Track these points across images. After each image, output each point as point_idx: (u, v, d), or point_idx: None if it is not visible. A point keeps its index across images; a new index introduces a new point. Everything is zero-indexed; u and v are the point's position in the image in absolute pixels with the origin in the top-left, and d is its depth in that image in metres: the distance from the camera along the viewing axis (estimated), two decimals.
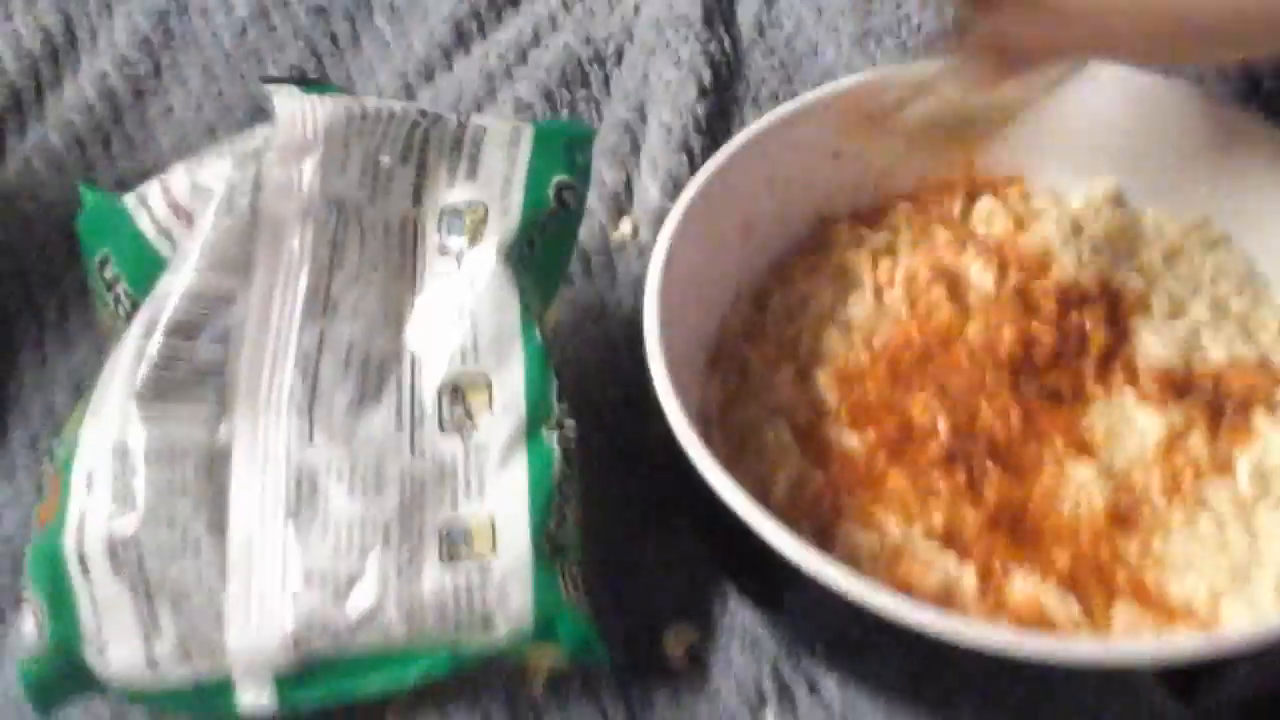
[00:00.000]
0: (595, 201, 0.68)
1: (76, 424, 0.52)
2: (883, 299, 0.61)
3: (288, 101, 0.54)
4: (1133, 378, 0.58)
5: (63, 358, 0.63)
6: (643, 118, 0.72)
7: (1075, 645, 0.49)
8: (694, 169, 0.64)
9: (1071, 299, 0.61)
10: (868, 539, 0.54)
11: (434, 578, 0.50)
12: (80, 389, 0.61)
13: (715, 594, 0.56)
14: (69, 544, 0.50)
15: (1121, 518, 0.55)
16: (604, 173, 0.69)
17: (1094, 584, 0.53)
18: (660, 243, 0.58)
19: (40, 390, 0.62)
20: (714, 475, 0.50)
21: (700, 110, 0.72)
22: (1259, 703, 0.52)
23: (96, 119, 0.72)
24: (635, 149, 0.71)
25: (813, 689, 0.54)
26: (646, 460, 0.60)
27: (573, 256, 0.61)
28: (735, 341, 0.61)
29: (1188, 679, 0.49)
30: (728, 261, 0.62)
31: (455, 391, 0.53)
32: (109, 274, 0.55)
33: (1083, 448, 0.56)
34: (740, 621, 0.55)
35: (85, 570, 0.49)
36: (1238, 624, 0.51)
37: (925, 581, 0.52)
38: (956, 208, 0.65)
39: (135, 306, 0.53)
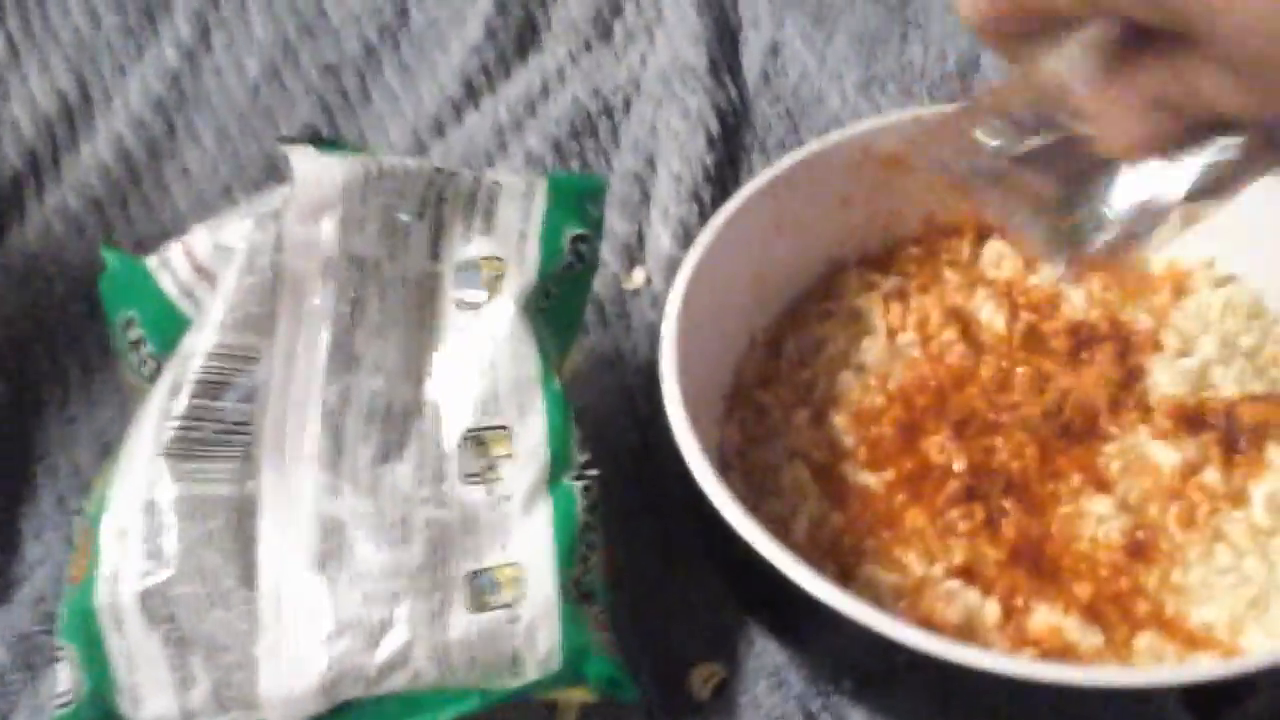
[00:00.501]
0: (608, 252, 0.69)
1: (105, 482, 0.53)
2: (895, 341, 0.62)
3: (304, 161, 0.55)
4: (1146, 414, 0.59)
5: (88, 418, 0.64)
6: (652, 168, 0.73)
7: (1100, 671, 0.50)
8: (704, 218, 0.65)
9: (1082, 337, 0.62)
10: (889, 577, 0.55)
11: (462, 625, 0.51)
12: (106, 448, 0.62)
13: (740, 633, 0.57)
14: (102, 599, 0.50)
15: (1140, 550, 0.55)
16: (615, 223, 0.70)
17: (1115, 615, 0.54)
18: (675, 290, 0.58)
19: (66, 450, 0.63)
20: (733, 515, 0.51)
21: (709, 160, 0.73)
22: None
23: (113, 180, 0.73)
24: (646, 199, 0.72)
25: None
26: (667, 504, 0.61)
27: (587, 306, 0.62)
28: (751, 386, 0.62)
29: (1211, 703, 0.49)
30: (741, 307, 0.63)
31: (477, 442, 0.54)
32: (133, 335, 0.56)
33: (1099, 483, 0.57)
34: (766, 660, 0.56)
35: (118, 624, 0.50)
36: (1259, 648, 0.51)
37: (947, 616, 0.53)
38: (965, 250, 0.66)
39: (160, 366, 0.54)
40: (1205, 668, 0.48)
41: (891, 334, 0.63)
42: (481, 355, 0.55)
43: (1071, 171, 0.48)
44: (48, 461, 0.62)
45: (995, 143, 0.49)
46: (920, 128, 0.59)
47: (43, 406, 0.64)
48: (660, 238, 0.70)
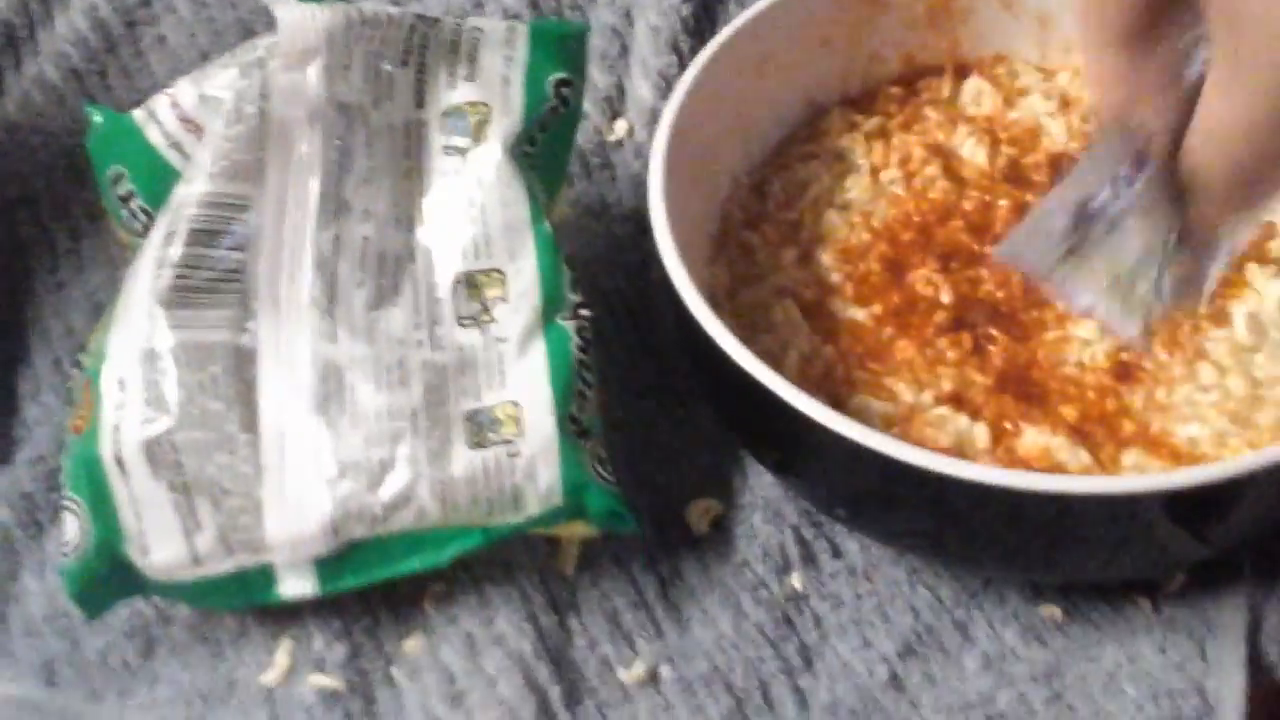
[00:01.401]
0: (589, 105, 0.69)
1: (102, 335, 0.53)
2: (879, 179, 0.63)
3: (287, 9, 0.55)
4: None
5: (79, 282, 0.64)
6: (629, 21, 0.73)
7: (1090, 480, 0.51)
8: (684, 68, 0.65)
9: (1063, 169, 0.62)
10: (879, 406, 0.56)
11: (463, 462, 0.52)
12: (98, 310, 0.62)
13: (735, 469, 0.58)
14: (105, 448, 0.51)
15: (1124, 372, 0.56)
16: (595, 77, 0.70)
17: (1102, 435, 0.55)
18: (660, 132, 0.59)
19: (59, 314, 0.63)
20: (729, 345, 0.52)
21: (685, 10, 0.73)
22: (1271, 541, 0.54)
23: (91, 50, 0.72)
24: (624, 53, 0.72)
25: (835, 552, 0.56)
26: (659, 348, 0.62)
27: (571, 158, 0.62)
28: (737, 227, 0.62)
29: (1198, 515, 0.50)
30: (725, 150, 0.63)
31: (470, 285, 0.55)
32: (122, 190, 0.56)
33: None
34: (761, 493, 0.57)
35: (123, 472, 0.51)
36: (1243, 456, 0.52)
37: (938, 441, 0.54)
38: (945, 89, 0.66)
39: (151, 219, 0.55)
40: (1191, 474, 0.49)
41: (875, 172, 0.63)
42: (470, 200, 0.55)
43: (1140, 242, 0.50)
44: (41, 325, 0.63)
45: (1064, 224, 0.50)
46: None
47: (33, 272, 0.64)
48: (640, 89, 0.70)
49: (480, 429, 0.52)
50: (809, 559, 0.56)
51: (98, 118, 0.57)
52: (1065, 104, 0.64)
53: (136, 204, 0.56)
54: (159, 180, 0.55)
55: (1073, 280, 0.50)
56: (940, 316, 0.58)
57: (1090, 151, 0.51)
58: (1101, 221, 0.50)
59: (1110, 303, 0.50)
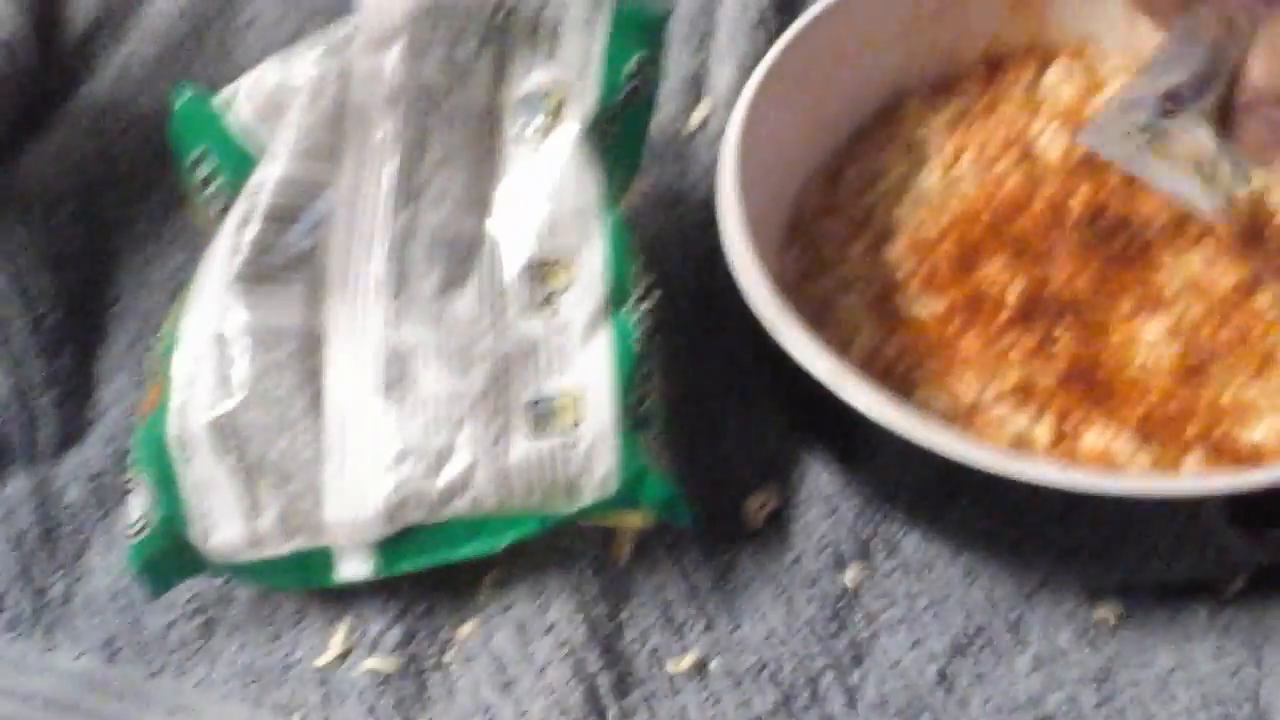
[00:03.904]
0: (667, 92, 0.69)
1: (176, 316, 0.54)
2: (953, 170, 0.62)
3: None
4: (1202, 237, 0.59)
5: (159, 264, 0.65)
6: (715, 2, 0.73)
7: (1149, 480, 0.50)
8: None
9: None
10: (942, 402, 0.55)
11: (522, 450, 0.52)
12: (177, 292, 0.63)
13: (794, 461, 0.58)
14: (172, 429, 0.52)
15: (1191, 373, 0.55)
16: (676, 60, 0.70)
17: (1166, 436, 0.54)
18: (734, 119, 0.58)
19: (138, 295, 0.64)
20: (792, 337, 0.52)
21: None
22: None
23: (182, 33, 0.73)
24: (709, 35, 0.72)
25: (891, 550, 0.56)
26: (725, 339, 0.62)
27: (646, 145, 0.62)
28: (809, 217, 0.62)
29: (1260, 519, 0.50)
30: (801, 138, 0.63)
31: (538, 272, 0.55)
32: (203, 172, 0.57)
33: (1154, 305, 0.57)
34: (820, 488, 0.57)
35: (189, 454, 0.52)
36: None
37: (999, 438, 0.54)
38: (1027, 75, 0.65)
39: (229, 202, 0.55)
40: (1254, 477, 0.48)
41: (949, 162, 0.62)
42: (543, 185, 0.56)
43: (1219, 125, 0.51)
44: (119, 306, 0.64)
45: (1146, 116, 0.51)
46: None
47: (115, 253, 0.66)
48: (724, 71, 0.70)
49: (541, 417, 0.53)
50: (864, 555, 0.56)
51: (181, 100, 0.58)
52: None
53: (216, 186, 0.56)
54: (238, 164, 0.56)
55: (1155, 166, 0.49)
56: (1007, 311, 0.57)
57: (1173, 39, 0.50)
58: (1184, 109, 0.49)
59: (1192, 185, 0.49)
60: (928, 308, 0.58)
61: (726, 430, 0.59)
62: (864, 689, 0.53)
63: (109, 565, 0.56)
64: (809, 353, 0.52)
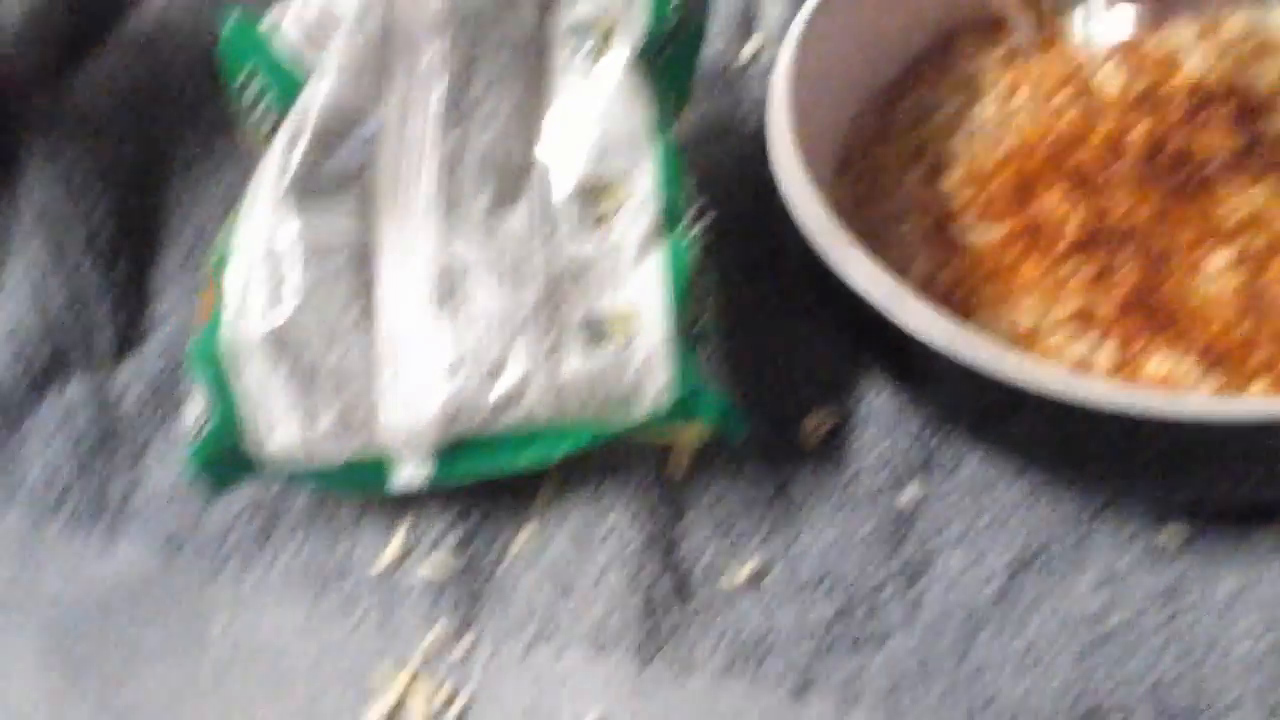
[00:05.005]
0: (718, 25, 0.69)
1: (229, 231, 0.54)
2: (1010, 102, 0.62)
3: None
4: (1265, 170, 0.59)
5: (210, 182, 0.65)
6: None
7: (1215, 403, 0.50)
8: None
9: (1200, 99, 0.61)
10: (1000, 328, 0.55)
11: (575, 365, 0.52)
12: (228, 210, 0.63)
13: (852, 382, 0.58)
14: (228, 337, 0.52)
15: (1255, 302, 0.55)
16: None
17: (1230, 364, 0.54)
18: (785, 50, 0.58)
19: (191, 212, 0.64)
20: (848, 261, 0.52)
21: None
22: None
23: None
24: None
25: (952, 467, 0.56)
26: (780, 265, 0.62)
27: (697, 79, 0.62)
28: (863, 146, 0.62)
29: None
30: (854, 68, 0.62)
31: (589, 194, 0.55)
32: (252, 93, 0.57)
33: (1216, 236, 0.57)
34: (879, 406, 0.57)
35: (242, 362, 0.52)
36: None
37: (1059, 363, 0.53)
38: (1083, 13, 0.65)
39: (278, 123, 0.55)
40: None
41: (1006, 95, 0.62)
42: (593, 109, 0.56)
43: None
44: (173, 223, 0.64)
45: None
46: None
47: (167, 170, 0.66)
48: (775, 6, 0.70)
49: (593, 334, 0.53)
50: (925, 471, 0.55)
51: (230, 21, 0.58)
52: (1207, 31, 0.63)
53: (264, 107, 0.56)
54: (286, 84, 0.56)
55: None
56: (1067, 240, 0.57)
57: None
58: None
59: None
60: (985, 236, 0.58)
61: (783, 352, 0.59)
62: (923, 603, 0.52)
63: (168, 468, 0.56)
64: (865, 276, 0.52)
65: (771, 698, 0.51)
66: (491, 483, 0.54)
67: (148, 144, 0.66)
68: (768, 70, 0.67)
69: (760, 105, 0.66)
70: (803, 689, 0.51)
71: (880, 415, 0.57)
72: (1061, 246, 0.57)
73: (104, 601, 0.53)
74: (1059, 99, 0.62)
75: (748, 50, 0.69)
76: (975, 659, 0.51)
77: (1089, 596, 0.52)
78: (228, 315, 0.52)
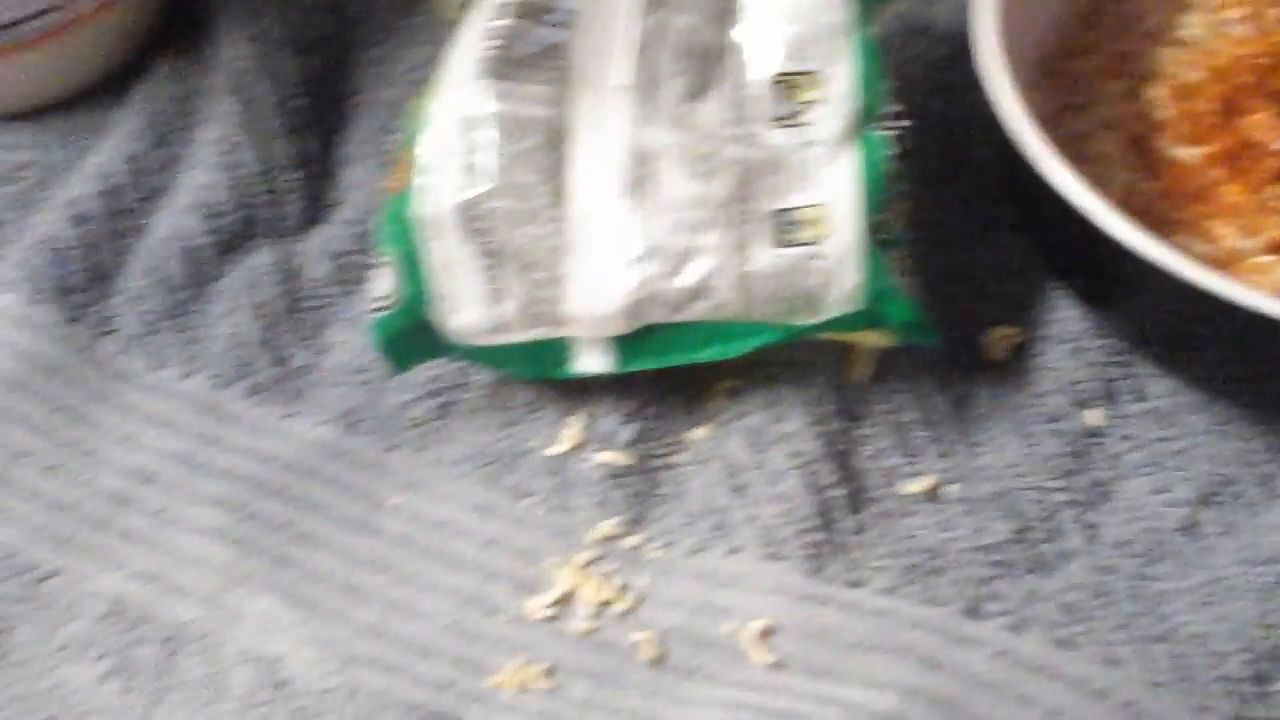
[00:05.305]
0: None
1: (425, 102, 0.54)
2: (1220, 15, 0.60)
3: None
4: None
5: (401, 57, 0.65)
6: None
7: None
8: None
9: None
10: (1201, 248, 0.54)
11: (765, 258, 0.52)
12: (417, 85, 0.63)
13: (1041, 299, 0.57)
14: (421, 209, 0.52)
15: None
16: None
17: None
18: None
19: (379, 86, 0.64)
20: (1053, 170, 0.50)
21: None
22: None
23: None
24: None
25: (1139, 394, 0.54)
26: (972, 170, 0.60)
27: None
28: (1065, 55, 0.60)
29: None
30: None
31: (786, 86, 0.54)
32: None
33: None
34: (1067, 326, 0.56)
35: (437, 234, 0.52)
36: None
37: (1262, 287, 0.52)
38: None
39: None
40: None
41: (1216, 8, 0.60)
42: (793, 1, 0.55)
43: None
44: (362, 96, 0.64)
45: None
46: None
47: (358, 45, 0.65)
48: None
49: (785, 228, 0.52)
50: (1110, 397, 0.54)
51: None
52: None
53: None
54: None
55: None
56: (1274, 163, 0.55)
57: None
58: None
59: None
60: (1188, 153, 0.56)
61: (969, 265, 0.58)
62: (1104, 528, 0.52)
63: (350, 341, 0.57)
64: (1074, 187, 0.50)
65: (942, 615, 0.50)
66: (667, 378, 0.54)
67: (340, 16, 0.66)
68: None
69: (957, 5, 0.65)
70: (974, 608, 0.50)
71: (1066, 336, 0.56)
72: (1269, 169, 0.55)
73: (281, 472, 0.54)
74: (1271, 14, 0.59)
75: None
76: (1153, 590, 0.50)
77: (1276, 534, 0.51)
78: (423, 185, 0.52)
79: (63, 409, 0.55)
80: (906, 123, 0.54)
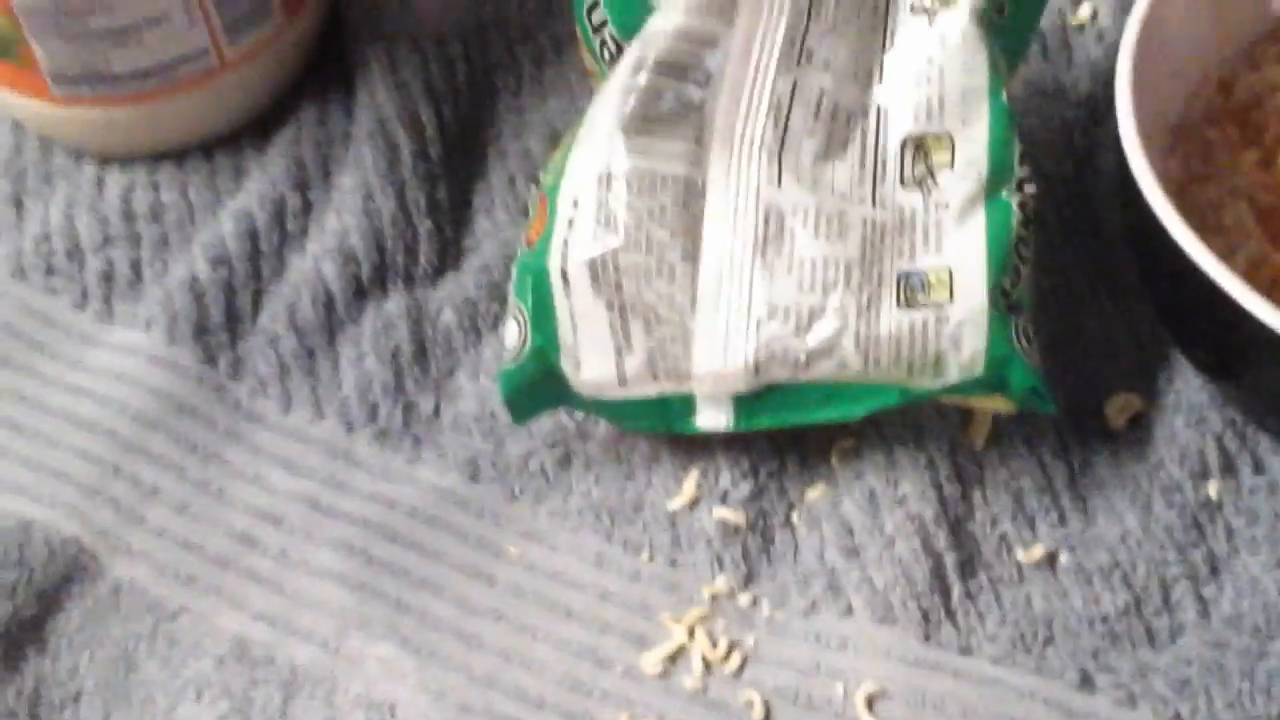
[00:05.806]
0: None
1: (563, 154, 0.55)
2: None
3: None
4: None
5: (539, 106, 0.66)
6: None
7: None
8: None
9: None
10: None
11: (891, 319, 0.52)
12: (554, 135, 0.64)
13: (1161, 367, 0.56)
14: (554, 261, 0.53)
15: None
16: None
17: None
18: (1132, 20, 0.57)
19: (517, 135, 0.65)
20: (1184, 238, 0.50)
21: None
22: None
23: None
24: None
25: (1258, 467, 0.54)
26: (1099, 236, 0.60)
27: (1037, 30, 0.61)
28: (1199, 122, 0.60)
29: None
30: (1195, 43, 0.60)
31: (918, 148, 0.54)
32: (597, 18, 0.57)
33: None
34: (1187, 397, 0.55)
35: (567, 286, 0.53)
36: None
37: None
38: None
39: (619, 49, 0.56)
40: None
41: None
42: (930, 62, 0.55)
43: None
44: (499, 145, 0.65)
45: None
46: None
47: (497, 94, 0.67)
48: None
49: (911, 290, 0.52)
50: (1229, 469, 0.54)
51: None
52: None
53: (608, 32, 0.57)
54: (632, 11, 0.56)
55: None
56: None
57: None
58: None
59: None
60: None
61: (1092, 331, 0.58)
62: (1219, 602, 0.51)
63: (475, 389, 0.58)
64: (1201, 254, 0.50)
65: (1053, 687, 0.50)
66: (784, 435, 0.54)
67: (481, 65, 0.67)
68: (1102, 33, 0.66)
69: (1092, 69, 0.65)
70: (1085, 680, 0.50)
71: (1186, 406, 0.55)
72: None
73: (404, 519, 0.55)
74: None
75: (1084, 11, 0.67)
76: (1268, 667, 0.50)
77: None
78: (557, 238, 0.53)
79: (195, 448, 0.57)
80: (1035, 187, 0.54)
